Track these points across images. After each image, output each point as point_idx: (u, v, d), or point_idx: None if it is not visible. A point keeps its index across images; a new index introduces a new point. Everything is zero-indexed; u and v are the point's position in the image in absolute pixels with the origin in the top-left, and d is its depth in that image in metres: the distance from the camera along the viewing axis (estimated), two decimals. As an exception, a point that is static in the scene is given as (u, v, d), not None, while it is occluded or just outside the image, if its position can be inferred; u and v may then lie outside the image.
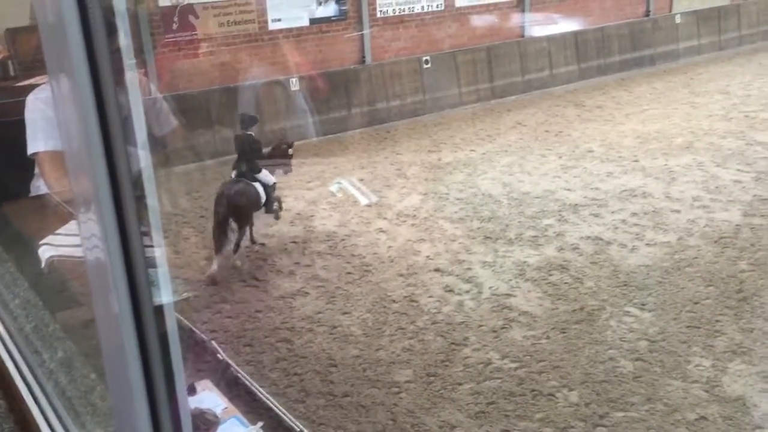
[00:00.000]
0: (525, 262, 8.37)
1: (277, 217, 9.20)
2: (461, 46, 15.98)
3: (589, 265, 8.20)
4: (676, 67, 18.87)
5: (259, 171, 8.82)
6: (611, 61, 18.18)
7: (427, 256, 8.63)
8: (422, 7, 15.31)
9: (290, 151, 9.39)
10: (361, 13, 14.51)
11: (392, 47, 15.09)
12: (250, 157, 8.78)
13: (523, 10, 16.76)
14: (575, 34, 17.40)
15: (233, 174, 8.70)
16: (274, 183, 8.92)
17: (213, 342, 5.80)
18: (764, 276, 7.68)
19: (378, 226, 9.64)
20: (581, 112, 15.06)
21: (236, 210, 8.34)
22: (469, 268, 8.29)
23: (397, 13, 15.00)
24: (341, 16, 14.35)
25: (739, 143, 12.18)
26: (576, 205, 9.97)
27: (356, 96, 14.40)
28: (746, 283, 7.58)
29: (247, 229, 8.69)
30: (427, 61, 15.36)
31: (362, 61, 14.73)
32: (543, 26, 17.08)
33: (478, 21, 16.21)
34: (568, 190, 10.58)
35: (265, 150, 9.08)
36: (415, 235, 9.26)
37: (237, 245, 8.43)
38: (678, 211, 9.51)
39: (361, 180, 11.47)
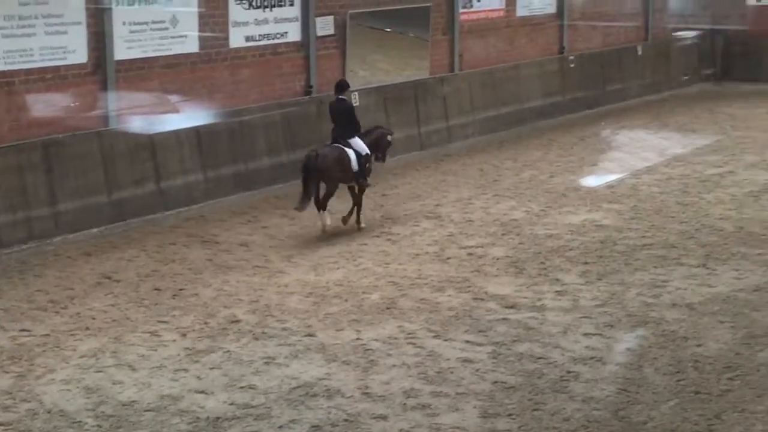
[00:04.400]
0: None
1: (360, 190, 16.95)
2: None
3: None
4: (360, 176, 20.81)
5: (353, 137, 16.62)
6: (257, 167, 19.44)
7: None
8: None
9: (389, 138, 17.58)
10: None
11: None
12: (342, 122, 16.67)
13: (104, 80, 17.21)
14: (197, 127, 18.34)
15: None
16: (368, 154, 16.74)
17: None
18: None
19: None
20: (215, 253, 15.65)
21: (321, 174, 16.11)
22: None
23: None
24: None
25: (465, 298, 13.61)
26: (218, 418, 10.11)
27: None
28: None
29: (334, 193, 16.58)
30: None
31: None
32: (142, 111, 17.70)
33: (21, 94, 16.21)
34: (204, 392, 10.72)
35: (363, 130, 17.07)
36: None
37: (323, 203, 16.31)
38: (384, 418, 10.13)
39: None
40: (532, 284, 14.12)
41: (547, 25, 27.58)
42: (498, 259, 15.31)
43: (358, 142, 16.62)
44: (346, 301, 13.52)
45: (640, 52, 30.63)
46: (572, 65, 27.88)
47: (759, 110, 28.37)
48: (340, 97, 16.78)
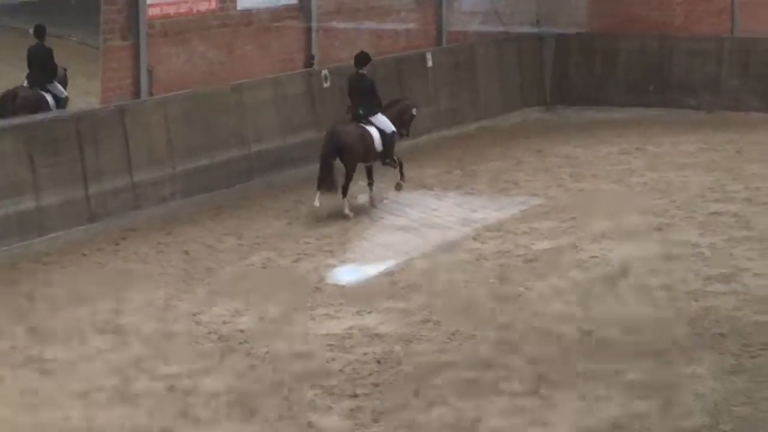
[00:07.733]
0: None
1: (396, 167, 24.93)
2: None
3: None
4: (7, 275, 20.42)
5: (375, 114, 24.18)
6: None
7: None
8: None
9: (414, 111, 25.65)
10: None
11: None
12: (363, 99, 24.23)
13: None
14: None
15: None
16: (394, 132, 24.31)
17: None
18: None
19: None
20: None
21: (342, 151, 23.73)
22: None
23: None
24: None
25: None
26: None
27: None
28: None
29: (354, 174, 24.37)
30: None
31: None
32: None
33: None
34: None
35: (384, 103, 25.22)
36: None
37: (344, 189, 23.82)
38: None
39: None
40: (271, 433, 14.09)
41: (285, 24, 27.87)
42: (215, 394, 15.20)
43: (382, 120, 23.87)
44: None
45: (430, 64, 31.33)
46: (327, 84, 28.18)
47: (609, 149, 29.38)
48: (360, 71, 24.05)
